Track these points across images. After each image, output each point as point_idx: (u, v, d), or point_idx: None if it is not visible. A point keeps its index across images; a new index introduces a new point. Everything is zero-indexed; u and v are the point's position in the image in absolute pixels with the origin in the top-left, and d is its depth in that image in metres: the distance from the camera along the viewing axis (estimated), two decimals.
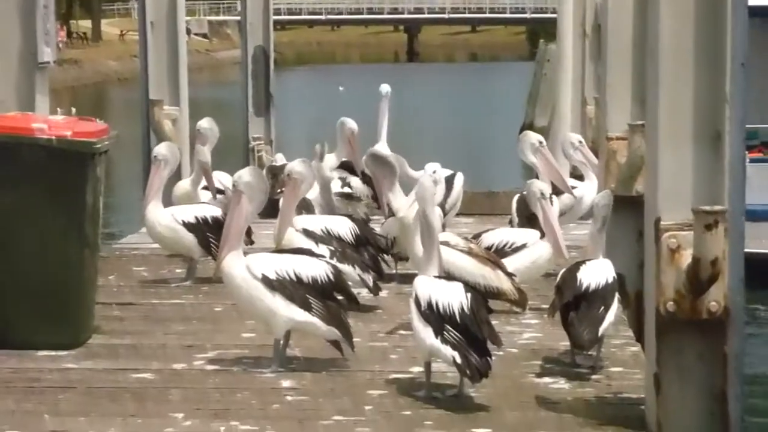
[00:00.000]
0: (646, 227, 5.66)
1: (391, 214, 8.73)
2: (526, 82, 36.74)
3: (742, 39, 5.41)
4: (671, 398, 5.48)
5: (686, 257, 5.35)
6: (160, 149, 9.33)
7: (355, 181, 10.49)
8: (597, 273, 6.57)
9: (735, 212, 5.33)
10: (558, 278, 6.81)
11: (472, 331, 5.91)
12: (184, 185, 10.08)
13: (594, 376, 6.59)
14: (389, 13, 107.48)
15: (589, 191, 9.66)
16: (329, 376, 6.63)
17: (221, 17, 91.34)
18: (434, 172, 8.68)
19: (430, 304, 5.99)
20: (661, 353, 5.50)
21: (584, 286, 6.50)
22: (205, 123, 10.22)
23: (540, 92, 32.08)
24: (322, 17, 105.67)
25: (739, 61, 5.43)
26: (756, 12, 6.57)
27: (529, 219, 8.49)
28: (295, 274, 6.62)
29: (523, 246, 7.93)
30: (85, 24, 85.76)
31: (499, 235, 8.19)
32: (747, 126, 5.63)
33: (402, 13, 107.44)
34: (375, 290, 8.02)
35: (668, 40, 5.46)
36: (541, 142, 7.91)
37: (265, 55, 15.41)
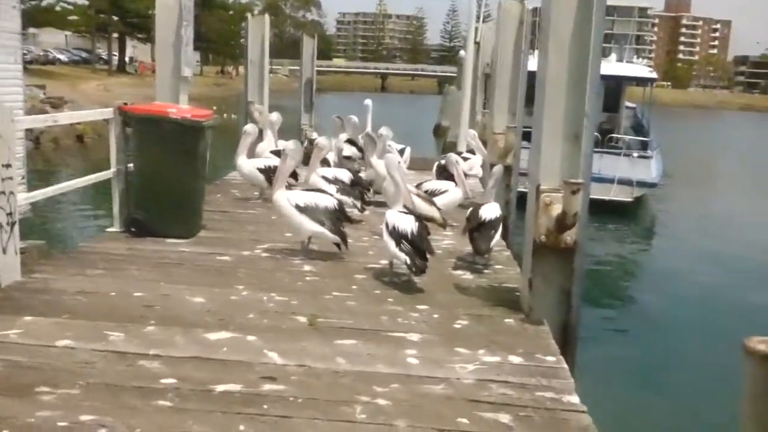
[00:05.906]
0: (530, 189, 4.20)
1: (371, 167, 7.31)
2: (437, 105, 35.21)
3: (596, 78, 3.99)
4: (538, 293, 4.13)
5: (555, 209, 3.96)
6: (249, 128, 7.68)
7: (352, 150, 8.97)
8: (490, 211, 5.17)
9: (587, 185, 3.95)
10: (468, 213, 5.38)
11: (417, 245, 4.52)
12: (262, 146, 8.50)
13: (486, 270, 5.19)
14: (374, 69, 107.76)
15: (477, 162, 8.36)
16: (332, 264, 5.19)
17: (296, 67, 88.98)
18: (387, 137, 7.34)
19: (394, 227, 4.59)
20: (533, 266, 4.13)
21: (483, 218, 5.11)
22: (274, 116, 8.74)
23: (444, 109, 30.61)
24: (342, 69, 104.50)
25: (594, 90, 4.00)
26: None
27: (446, 176, 7.01)
28: (315, 203, 5.18)
29: (446, 191, 6.48)
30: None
31: (432, 184, 6.72)
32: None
33: (379, 69, 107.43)
34: (361, 210, 6.57)
35: (550, 76, 4.02)
36: (458, 161, 6.46)
37: (311, 83, 14.07)
